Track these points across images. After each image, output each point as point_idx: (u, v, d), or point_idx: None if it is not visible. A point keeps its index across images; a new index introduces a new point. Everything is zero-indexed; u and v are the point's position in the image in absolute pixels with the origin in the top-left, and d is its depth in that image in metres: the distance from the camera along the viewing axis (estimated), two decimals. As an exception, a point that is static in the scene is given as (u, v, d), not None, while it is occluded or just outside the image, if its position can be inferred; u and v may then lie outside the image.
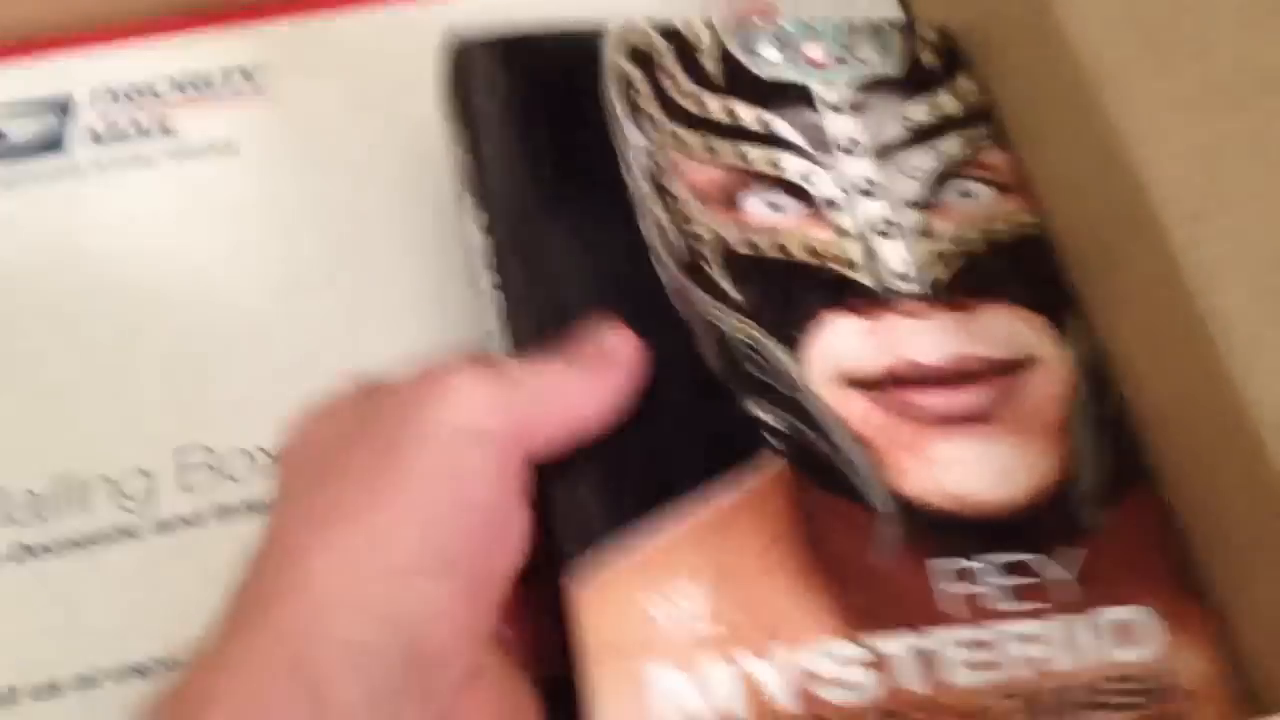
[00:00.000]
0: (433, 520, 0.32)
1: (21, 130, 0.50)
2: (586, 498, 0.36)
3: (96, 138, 0.50)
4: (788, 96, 0.44)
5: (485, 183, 0.41)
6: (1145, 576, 0.38)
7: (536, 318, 0.39)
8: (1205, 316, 0.36)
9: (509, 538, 0.33)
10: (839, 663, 0.35)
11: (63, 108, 0.50)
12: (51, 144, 0.49)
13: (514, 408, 0.34)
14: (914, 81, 0.45)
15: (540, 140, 0.41)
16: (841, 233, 0.41)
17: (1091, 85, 0.40)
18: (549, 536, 0.35)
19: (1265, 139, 0.38)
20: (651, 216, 0.41)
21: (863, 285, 0.40)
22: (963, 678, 0.36)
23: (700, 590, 0.35)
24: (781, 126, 0.43)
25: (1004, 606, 0.37)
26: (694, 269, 0.40)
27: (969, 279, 0.41)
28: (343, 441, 0.34)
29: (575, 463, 0.36)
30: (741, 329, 0.39)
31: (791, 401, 0.38)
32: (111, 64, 0.51)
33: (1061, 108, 0.42)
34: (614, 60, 0.43)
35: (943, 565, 0.37)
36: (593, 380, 0.36)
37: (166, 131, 0.50)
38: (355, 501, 0.32)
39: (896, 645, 0.36)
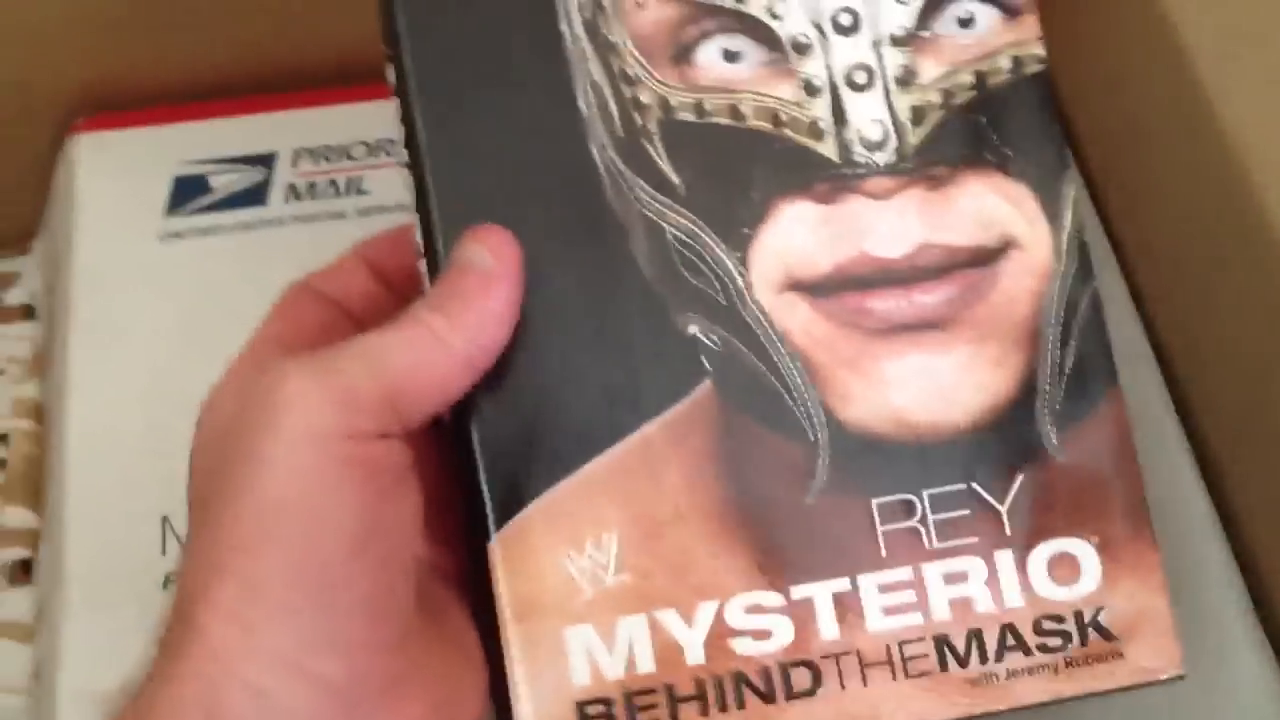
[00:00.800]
0: (297, 553, 0.30)
1: (226, 183, 0.53)
2: (500, 445, 0.34)
3: (295, 193, 0.53)
4: None
5: (396, 31, 0.35)
6: (1092, 506, 0.35)
7: (448, 212, 0.34)
8: None
9: (391, 534, 0.32)
10: (755, 614, 0.34)
11: (267, 164, 0.53)
12: (254, 197, 0.53)
13: (363, 394, 0.31)
14: None
15: None
16: (808, 89, 0.35)
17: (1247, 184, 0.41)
18: (468, 491, 0.34)
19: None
20: (588, 79, 0.35)
21: (826, 159, 0.35)
22: (876, 622, 0.34)
23: (613, 540, 0.34)
24: None
25: (939, 544, 0.34)
26: (632, 149, 0.35)
27: (949, 140, 0.35)
28: (221, 445, 0.32)
29: (485, 407, 0.34)
30: (681, 224, 0.35)
31: (729, 313, 0.35)
32: (312, 126, 0.54)
33: (1214, 201, 0.44)
34: None
35: (882, 503, 0.34)
36: (461, 317, 0.33)
37: (359, 190, 0.53)
38: (223, 546, 0.31)
39: (818, 590, 0.34)
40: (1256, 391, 0.43)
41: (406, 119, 0.35)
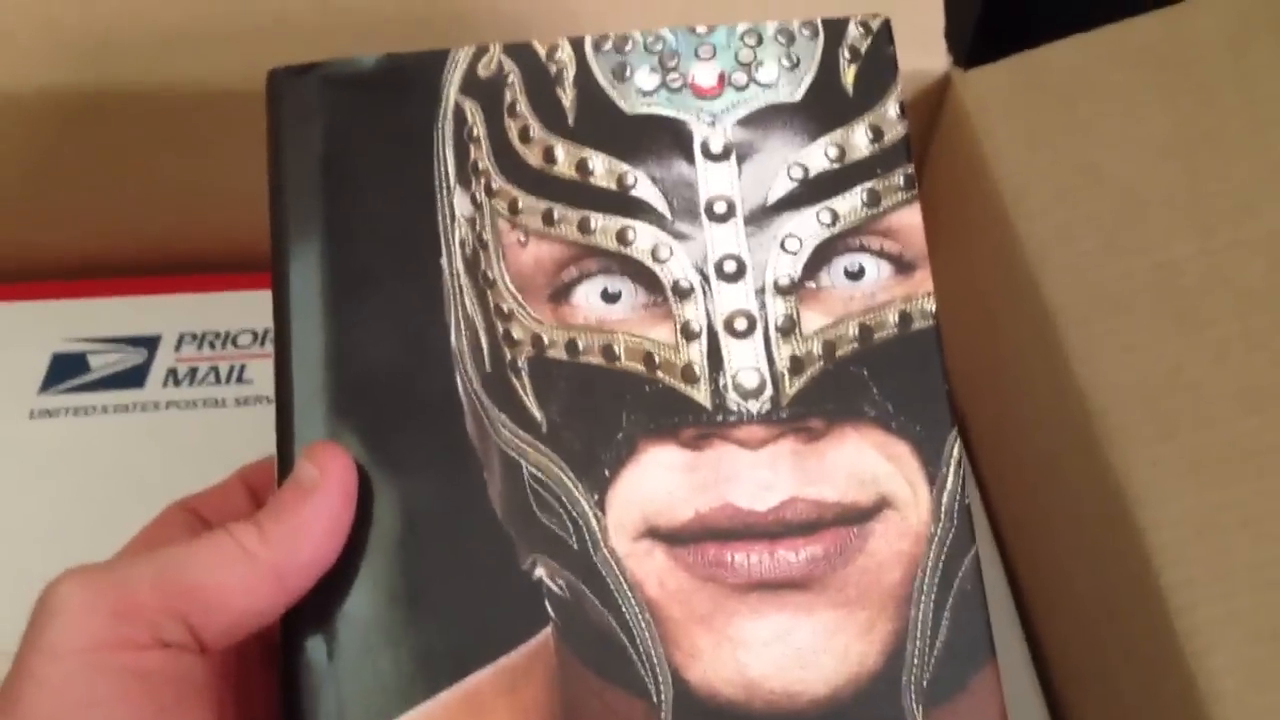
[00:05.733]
0: None
1: (105, 363, 0.51)
2: (320, 680, 0.32)
3: (175, 377, 0.51)
4: (658, 140, 0.35)
5: (279, 254, 0.35)
6: None
7: (303, 430, 0.33)
8: (1198, 678, 0.37)
9: None
10: None
11: (149, 346, 0.52)
12: (132, 379, 0.51)
13: (143, 603, 0.30)
14: (821, 112, 0.35)
15: (348, 209, 0.35)
16: (686, 332, 0.33)
17: (1099, 441, 0.41)
18: None
19: (1257, 514, 0.38)
20: (462, 312, 0.34)
21: (697, 404, 0.33)
22: None
23: None
24: (642, 185, 0.34)
25: None
26: (498, 383, 0.33)
27: (828, 392, 0.33)
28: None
29: (308, 636, 0.32)
30: (540, 463, 0.33)
31: (579, 558, 0.32)
32: (199, 310, 0.53)
33: (1070, 457, 0.43)
34: (453, 98, 0.35)
35: None
36: (273, 530, 0.31)
37: (240, 379, 0.51)
38: None
39: None
40: (1116, 673, 0.44)
41: (279, 335, 0.34)
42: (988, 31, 0.56)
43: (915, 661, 0.32)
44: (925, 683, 0.32)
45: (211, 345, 0.53)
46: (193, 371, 0.52)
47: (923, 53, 0.50)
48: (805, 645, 0.32)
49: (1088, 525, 0.43)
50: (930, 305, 0.34)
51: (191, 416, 0.51)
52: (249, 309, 0.54)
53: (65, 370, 0.51)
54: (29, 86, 0.48)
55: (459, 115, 0.35)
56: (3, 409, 0.50)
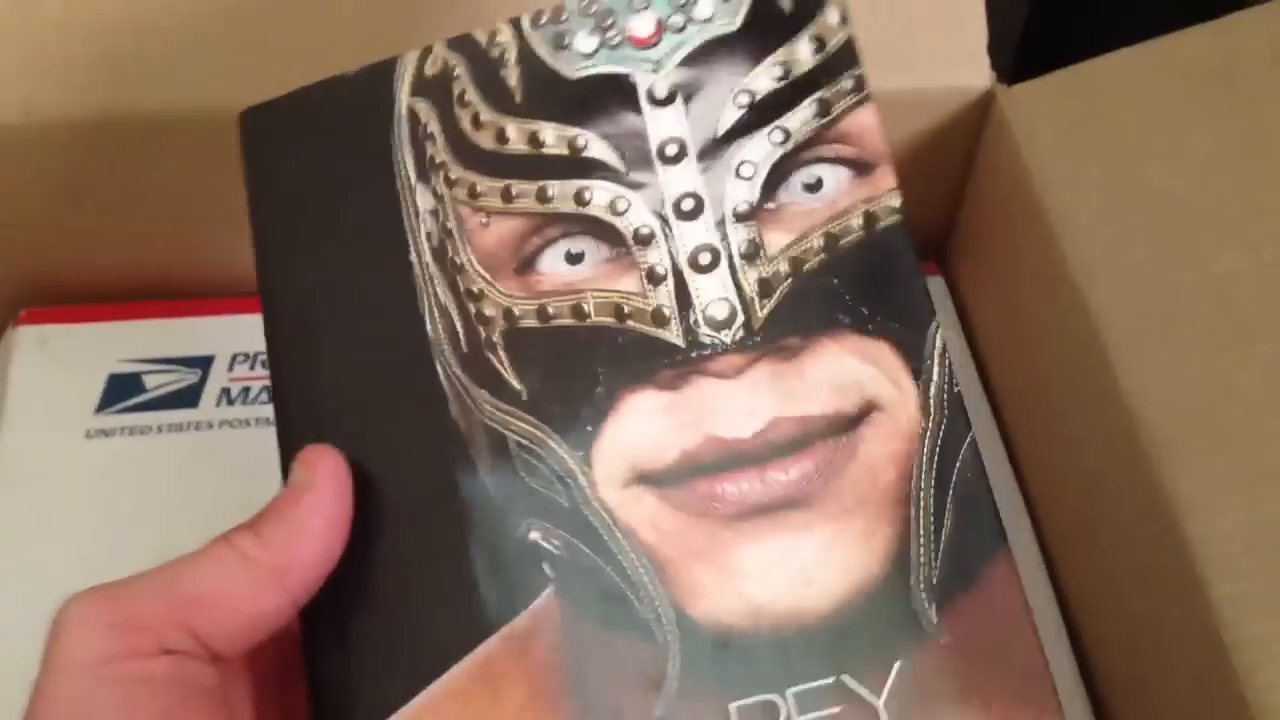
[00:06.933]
0: None
1: (160, 384, 0.52)
2: (338, 672, 0.32)
3: (228, 396, 0.52)
4: (604, 97, 0.35)
5: (263, 279, 0.36)
6: (984, 691, 0.30)
7: (301, 437, 0.34)
8: (1247, 694, 0.37)
9: None
10: None
11: (202, 367, 0.53)
12: (186, 399, 0.52)
13: (146, 614, 0.30)
14: (762, 34, 0.35)
15: (320, 228, 0.36)
16: (651, 277, 0.34)
17: (1148, 456, 0.40)
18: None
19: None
20: (435, 304, 0.35)
21: (671, 345, 0.33)
22: None
23: None
24: (594, 144, 0.35)
25: None
26: (476, 362, 0.34)
27: (800, 308, 0.33)
28: None
29: (323, 633, 0.33)
30: (524, 430, 0.33)
31: (571, 515, 0.32)
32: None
33: (1119, 472, 0.43)
34: (405, 101, 0.36)
35: (742, 706, 0.30)
36: (269, 533, 0.32)
37: None
38: None
39: None
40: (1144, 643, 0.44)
41: (270, 356, 0.36)
42: (1031, 46, 0.56)
43: (921, 560, 0.31)
44: (935, 580, 0.31)
45: (264, 364, 0.53)
46: (245, 390, 0.53)
47: (966, 69, 0.50)
48: (807, 562, 0.31)
49: (1136, 540, 0.42)
50: (895, 201, 0.33)
51: (245, 435, 0.52)
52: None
53: (121, 391, 0.52)
54: (85, 112, 0.49)
55: (412, 116, 0.36)
56: (60, 429, 0.51)
